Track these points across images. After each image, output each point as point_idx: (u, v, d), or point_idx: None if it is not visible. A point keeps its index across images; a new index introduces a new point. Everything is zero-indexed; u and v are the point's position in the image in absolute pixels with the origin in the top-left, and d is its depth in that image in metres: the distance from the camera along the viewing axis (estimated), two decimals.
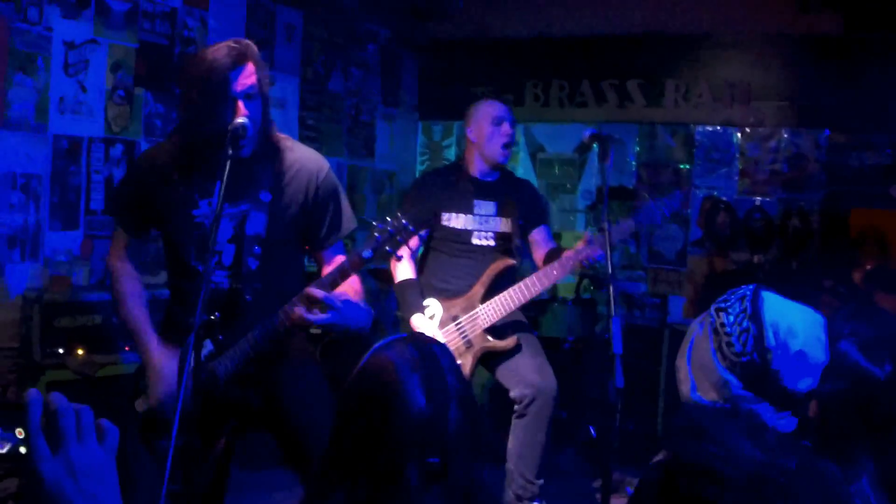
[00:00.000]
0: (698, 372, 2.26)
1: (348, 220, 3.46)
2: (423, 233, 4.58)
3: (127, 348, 4.44)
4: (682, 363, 2.32)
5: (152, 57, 5.23)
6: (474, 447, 1.82)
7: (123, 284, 3.40)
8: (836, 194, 6.81)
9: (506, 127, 4.68)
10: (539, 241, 4.75)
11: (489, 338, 4.48)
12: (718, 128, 7.15)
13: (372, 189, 7.49)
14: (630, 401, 6.14)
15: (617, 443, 3.65)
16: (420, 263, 4.80)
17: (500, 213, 4.66)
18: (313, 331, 3.64)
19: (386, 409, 1.80)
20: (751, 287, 2.26)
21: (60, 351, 4.34)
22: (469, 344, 4.46)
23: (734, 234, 7.06)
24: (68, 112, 4.74)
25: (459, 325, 4.49)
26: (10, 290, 4.44)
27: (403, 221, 3.05)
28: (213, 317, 3.04)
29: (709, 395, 2.23)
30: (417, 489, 1.73)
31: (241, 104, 3.06)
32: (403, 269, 4.63)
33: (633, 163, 7.35)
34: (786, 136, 6.94)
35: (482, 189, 4.70)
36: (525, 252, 4.79)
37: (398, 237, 3.06)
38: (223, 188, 2.84)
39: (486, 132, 4.66)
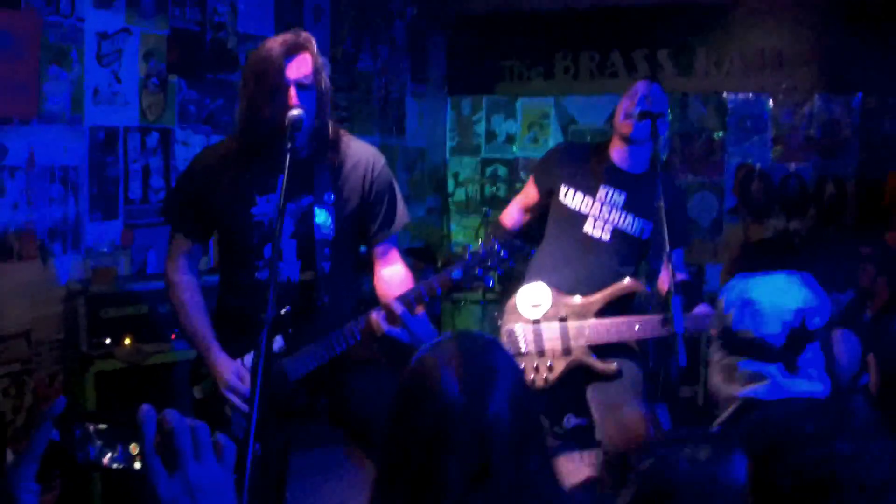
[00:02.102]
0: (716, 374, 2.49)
1: (402, 215, 3.43)
2: (536, 199, 4.31)
3: (173, 336, 4.45)
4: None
5: (184, 43, 5.22)
6: (528, 446, 1.79)
7: (182, 297, 3.35)
8: (870, 159, 6.75)
9: (638, 96, 4.04)
10: (675, 266, 3.90)
11: (590, 353, 4.04)
12: (751, 95, 7.10)
13: (403, 167, 7.47)
14: (668, 371, 6.19)
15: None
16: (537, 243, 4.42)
17: (629, 207, 4.10)
18: None
19: (420, 401, 1.79)
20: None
21: (108, 341, 4.35)
22: (568, 351, 4.06)
23: (769, 201, 7.02)
24: (103, 103, 4.73)
25: (565, 328, 4.08)
26: (53, 282, 4.46)
27: (496, 247, 2.99)
28: (283, 311, 3.06)
29: (731, 388, 2.41)
30: (457, 487, 1.70)
31: (293, 91, 3.05)
32: (506, 214, 4.46)
33: (666, 133, 7.29)
34: (819, 101, 6.88)
35: (616, 175, 4.14)
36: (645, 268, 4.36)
37: (490, 261, 2.98)
38: (286, 183, 2.84)
39: (620, 105, 4.12)
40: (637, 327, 3.94)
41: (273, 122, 3.02)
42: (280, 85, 3.05)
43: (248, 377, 3.12)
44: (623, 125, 4.05)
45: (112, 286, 4.52)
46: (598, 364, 4.03)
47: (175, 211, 3.47)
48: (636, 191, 4.10)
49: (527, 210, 4.39)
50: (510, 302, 4.20)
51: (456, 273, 2.99)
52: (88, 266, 4.65)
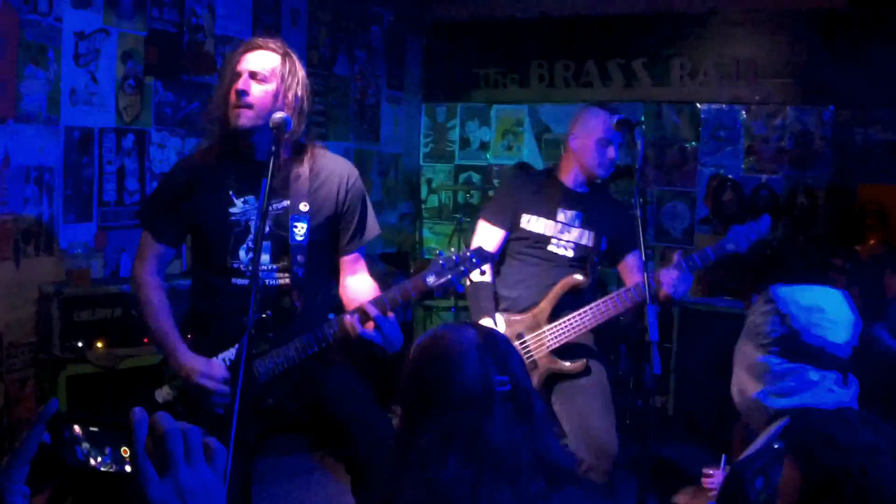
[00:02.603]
0: (745, 373, 2.38)
1: (372, 227, 3.48)
2: (503, 236, 4.29)
3: (146, 340, 4.41)
4: (733, 380, 2.44)
5: (161, 45, 5.20)
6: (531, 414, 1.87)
7: (150, 296, 3.34)
8: (842, 171, 6.82)
9: (611, 151, 4.20)
10: (633, 267, 4.30)
11: (555, 358, 4.14)
12: (724, 106, 7.15)
13: (378, 172, 7.48)
14: (640, 378, 6.22)
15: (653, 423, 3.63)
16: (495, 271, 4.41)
17: (585, 224, 4.26)
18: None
19: (439, 364, 1.92)
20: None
21: (80, 344, 4.32)
22: (534, 364, 4.13)
23: (741, 211, 7.06)
24: (80, 103, 4.70)
25: (524, 344, 4.17)
26: (27, 284, 4.41)
27: (468, 253, 3.06)
28: (265, 315, 3.06)
29: (754, 387, 2.32)
30: (435, 446, 1.81)
31: (244, 76, 3.11)
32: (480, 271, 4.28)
33: (640, 142, 7.32)
34: (791, 113, 6.94)
35: (570, 197, 4.29)
36: (596, 271, 4.40)
37: (462, 267, 3.06)
38: (269, 185, 2.86)
39: (590, 149, 4.20)
40: (588, 316, 4.07)
41: (225, 107, 3.12)
42: (235, 74, 3.14)
43: (217, 367, 3.17)
44: (603, 172, 4.24)
45: (86, 289, 4.48)
46: (566, 365, 4.13)
47: (152, 213, 3.46)
48: (588, 207, 4.27)
49: (495, 253, 4.33)
50: None
51: (429, 278, 3.05)
52: (62, 268, 4.62)
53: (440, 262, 3.06)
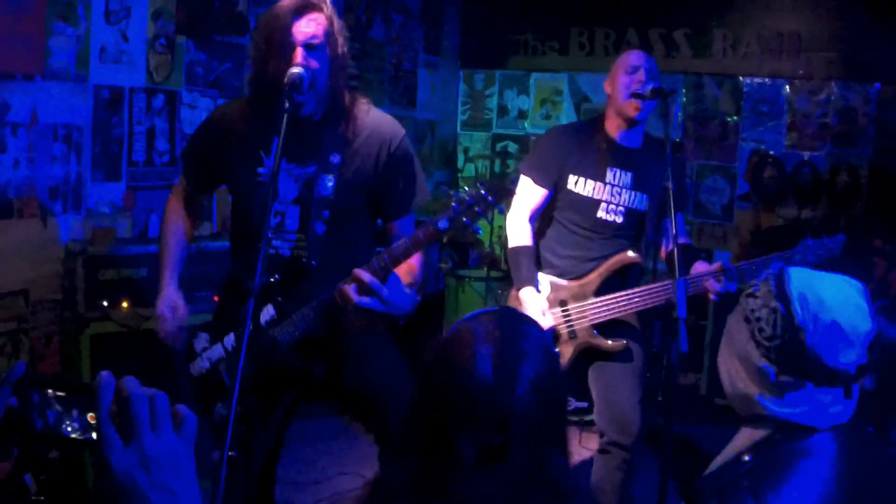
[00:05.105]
0: (739, 363, 2.13)
1: (421, 192, 3.32)
2: (545, 195, 4.14)
3: None
4: (721, 357, 2.20)
5: (193, 4, 5.14)
6: (547, 435, 1.75)
7: (167, 229, 3.45)
8: (886, 150, 6.66)
9: (640, 74, 3.97)
10: (668, 232, 3.91)
11: (596, 333, 4.04)
12: (767, 80, 6.99)
13: (413, 139, 7.36)
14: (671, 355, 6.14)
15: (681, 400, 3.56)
16: (537, 230, 4.25)
17: (637, 186, 4.08)
18: None
19: (451, 376, 1.77)
20: (777, 265, 2.16)
21: (104, 303, 4.31)
22: (573, 335, 4.05)
23: (781, 188, 6.93)
24: (110, 62, 4.66)
25: (567, 312, 4.07)
26: (53, 242, 4.41)
27: (483, 192, 2.83)
28: (272, 279, 3.00)
29: (749, 387, 2.11)
30: (471, 466, 1.68)
31: (299, 51, 2.99)
32: (521, 232, 4.14)
33: (680, 114, 7.20)
34: (835, 89, 6.78)
35: (620, 155, 4.09)
36: (647, 240, 4.29)
37: (477, 207, 2.83)
38: (281, 142, 2.77)
39: (619, 82, 4.01)
40: (637, 298, 3.97)
41: (280, 83, 2.94)
42: (287, 44, 3.01)
43: (181, 309, 3.23)
44: (629, 106, 4.00)
45: (111, 248, 4.47)
46: (605, 343, 4.03)
47: (187, 158, 3.51)
48: (640, 168, 4.09)
49: (536, 213, 4.22)
50: (512, 292, 4.16)
51: (442, 223, 2.85)
52: (89, 227, 4.61)
53: (453, 204, 2.85)
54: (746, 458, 2.03)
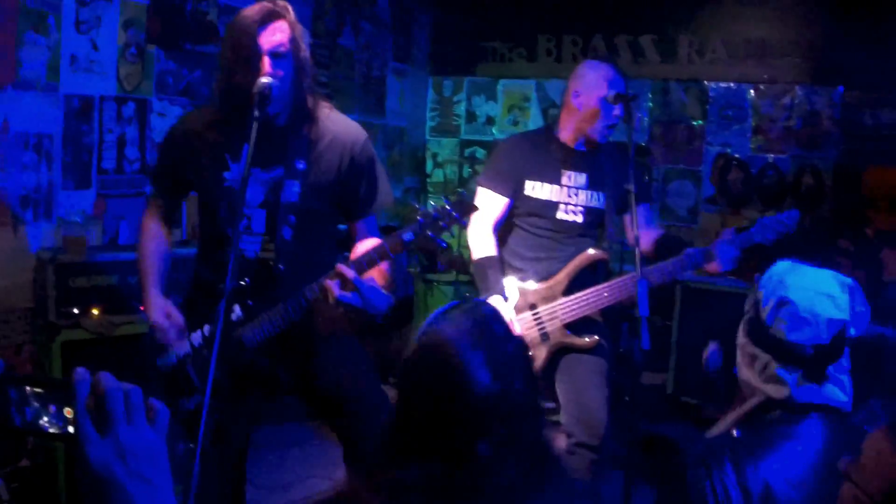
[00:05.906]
0: (739, 350, 2.34)
1: (384, 194, 3.41)
2: (507, 204, 4.17)
3: (142, 308, 4.42)
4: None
5: (164, 14, 5.17)
6: (537, 408, 1.84)
7: (145, 242, 3.46)
8: (850, 152, 6.77)
9: (617, 110, 4.01)
10: (640, 224, 3.86)
11: (568, 333, 4.07)
12: (732, 84, 7.10)
13: (383, 146, 7.45)
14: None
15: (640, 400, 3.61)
16: (499, 238, 4.28)
17: (592, 185, 4.13)
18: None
19: (452, 389, 1.79)
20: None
21: (76, 311, 4.32)
22: (545, 337, 4.08)
23: (747, 191, 7.04)
24: (80, 70, 4.68)
25: (537, 316, 4.10)
26: (24, 250, 4.42)
27: (448, 207, 2.92)
28: (242, 282, 3.05)
29: (746, 373, 2.28)
30: (490, 461, 1.74)
31: (266, 60, 3.03)
32: (484, 244, 4.16)
33: (646, 119, 7.30)
34: (800, 92, 6.89)
35: (573, 158, 4.14)
36: (615, 238, 4.29)
37: (441, 222, 2.92)
38: (251, 150, 2.82)
39: (592, 107, 4.03)
40: (606, 293, 4.01)
41: (247, 92, 2.99)
42: (254, 53, 3.04)
43: (175, 315, 3.22)
44: (603, 136, 4.09)
45: (82, 256, 4.48)
46: (580, 340, 4.07)
47: (155, 170, 3.58)
48: (595, 168, 4.15)
49: (499, 223, 4.24)
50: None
51: (407, 235, 2.94)
52: (59, 235, 4.62)
53: (419, 217, 2.94)
54: (735, 432, 2.16)
